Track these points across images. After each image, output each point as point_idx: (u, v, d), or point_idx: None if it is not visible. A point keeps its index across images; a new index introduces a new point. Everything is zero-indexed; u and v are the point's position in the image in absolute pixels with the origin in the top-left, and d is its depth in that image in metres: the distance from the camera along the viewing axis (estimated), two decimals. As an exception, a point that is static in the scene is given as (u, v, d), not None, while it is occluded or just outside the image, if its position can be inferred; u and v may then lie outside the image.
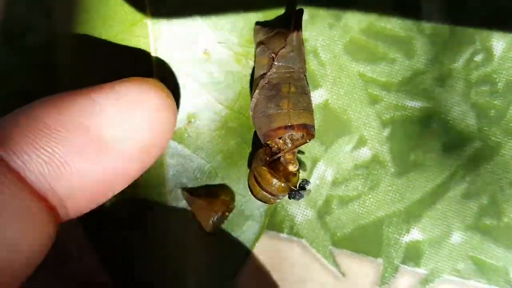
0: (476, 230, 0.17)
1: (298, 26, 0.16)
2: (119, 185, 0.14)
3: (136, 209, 0.18)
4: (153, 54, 0.17)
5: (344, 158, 0.18)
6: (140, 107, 0.13)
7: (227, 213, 0.18)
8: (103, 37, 0.18)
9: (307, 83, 0.17)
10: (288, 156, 0.16)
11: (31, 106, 0.13)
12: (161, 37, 0.17)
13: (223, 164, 0.18)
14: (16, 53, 0.20)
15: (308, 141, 0.16)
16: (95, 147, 0.13)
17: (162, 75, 0.17)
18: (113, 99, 0.13)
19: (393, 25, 0.17)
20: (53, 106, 0.13)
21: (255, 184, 0.16)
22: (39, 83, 0.20)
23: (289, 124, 0.15)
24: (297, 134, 0.16)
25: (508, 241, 0.17)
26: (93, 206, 0.14)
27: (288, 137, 0.16)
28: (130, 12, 0.17)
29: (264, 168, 0.15)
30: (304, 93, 0.16)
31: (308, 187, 0.16)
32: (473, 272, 0.17)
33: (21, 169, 0.12)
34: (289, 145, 0.16)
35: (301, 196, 0.16)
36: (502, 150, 0.17)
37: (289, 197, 0.16)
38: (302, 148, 0.17)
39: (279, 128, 0.15)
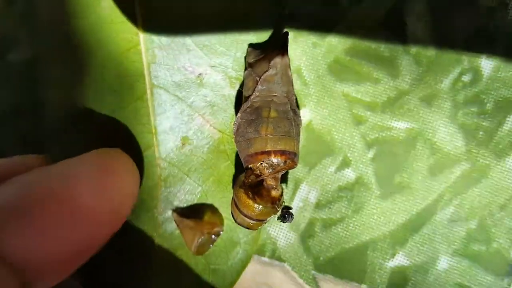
0: (464, 256, 0.16)
1: (283, 50, 0.16)
2: (91, 251, 0.14)
3: (125, 231, 0.18)
4: (146, 78, 0.17)
5: (327, 179, 0.17)
6: (109, 175, 0.15)
7: (213, 236, 0.17)
8: (95, 59, 0.18)
9: (297, 108, 0.16)
10: (269, 182, 0.16)
11: (11, 182, 0.13)
12: (155, 62, 0.17)
13: (214, 187, 0.18)
14: (1, 69, 0.20)
15: (288, 168, 0.15)
16: (72, 217, 0.13)
17: (155, 99, 0.17)
18: (87, 170, 0.14)
19: (378, 44, 0.17)
20: (32, 181, 0.13)
21: (235, 208, 0.16)
22: (27, 99, 0.21)
23: (266, 150, 0.15)
24: (278, 160, 0.15)
25: (498, 268, 0.16)
26: (68, 274, 0.14)
27: (267, 162, 0.15)
28: (124, 38, 0.17)
29: (241, 190, 0.15)
30: (286, 118, 0.16)
31: (291, 211, 0.16)
32: (461, 300, 0.16)
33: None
34: (270, 170, 0.15)
35: (289, 217, 0.16)
36: (491, 172, 0.16)
37: (279, 219, 0.16)
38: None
39: (256, 153, 0.15)
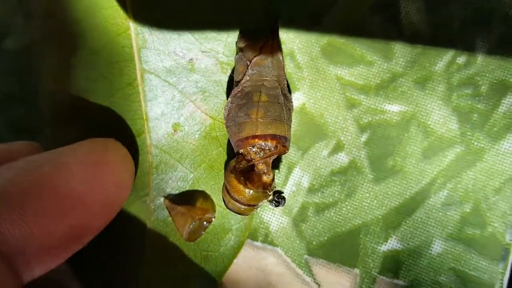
0: (458, 240, 0.16)
1: (273, 34, 0.16)
2: (84, 240, 0.14)
3: (117, 218, 0.18)
4: (137, 63, 0.17)
5: (320, 164, 0.17)
6: (103, 165, 0.14)
7: (205, 222, 0.17)
8: (86, 45, 0.17)
9: (289, 92, 0.16)
10: (260, 167, 0.15)
11: (4, 167, 0.13)
12: (145, 47, 0.17)
13: (206, 174, 0.17)
14: (-5, 57, 0.20)
15: (279, 153, 0.15)
16: (62, 205, 0.13)
17: (146, 84, 0.17)
18: (79, 159, 0.14)
19: (371, 27, 0.17)
20: (24, 168, 0.13)
21: (226, 193, 0.16)
22: (20, 87, 0.20)
23: (256, 134, 0.15)
24: (269, 144, 0.15)
25: (493, 252, 0.16)
26: (59, 262, 0.14)
27: (258, 147, 0.15)
28: (114, 23, 0.17)
29: (231, 175, 0.15)
30: (277, 103, 0.15)
31: (283, 195, 0.16)
32: (455, 284, 0.16)
33: None
34: (261, 155, 0.15)
35: (280, 202, 0.16)
36: (486, 155, 0.16)
37: (270, 204, 0.16)
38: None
39: (247, 137, 0.15)
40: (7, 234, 0.12)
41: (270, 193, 0.15)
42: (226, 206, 0.16)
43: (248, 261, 0.17)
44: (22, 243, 0.12)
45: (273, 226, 0.17)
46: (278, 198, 0.16)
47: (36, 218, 0.12)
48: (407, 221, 0.16)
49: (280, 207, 0.17)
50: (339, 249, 0.17)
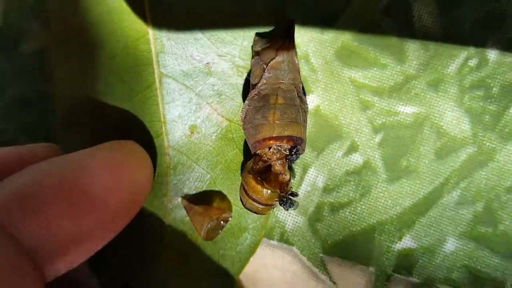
0: (471, 238, 0.17)
1: (289, 37, 0.16)
2: (105, 240, 0.15)
3: (135, 218, 0.18)
4: (155, 68, 0.18)
5: (335, 164, 0.17)
6: (123, 167, 0.15)
7: (222, 222, 0.18)
8: (104, 50, 0.18)
9: (304, 95, 0.17)
10: (277, 167, 0.16)
11: (28, 169, 0.13)
12: (163, 51, 0.18)
13: (222, 175, 0.18)
14: (12, 60, 0.20)
15: (296, 154, 0.16)
16: (84, 206, 0.13)
17: (164, 88, 0.18)
18: (100, 161, 0.14)
19: (384, 29, 0.17)
20: (47, 169, 0.13)
21: (244, 193, 0.16)
22: (35, 90, 0.21)
23: (273, 136, 0.15)
24: (286, 146, 0.16)
25: (505, 249, 0.16)
26: (80, 262, 0.14)
27: (276, 148, 0.16)
28: (133, 28, 0.17)
29: (249, 175, 0.15)
30: (293, 105, 0.16)
31: (295, 199, 0.16)
32: (468, 281, 0.17)
33: (16, 232, 0.12)
34: (278, 156, 0.16)
35: (292, 204, 0.16)
36: (497, 155, 0.17)
37: (280, 205, 0.16)
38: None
39: (264, 139, 0.15)
40: (32, 232, 0.12)
41: (286, 194, 0.16)
42: (244, 206, 0.16)
43: (264, 259, 0.18)
44: (45, 242, 0.12)
45: (289, 225, 0.18)
46: (289, 201, 0.16)
47: (59, 218, 0.13)
48: (421, 220, 0.17)
49: (291, 210, 0.17)
50: (354, 248, 0.17)
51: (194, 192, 0.18)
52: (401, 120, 0.17)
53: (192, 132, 0.18)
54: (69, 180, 0.13)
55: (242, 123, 0.16)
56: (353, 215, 0.17)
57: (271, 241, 0.18)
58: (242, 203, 0.16)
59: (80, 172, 0.14)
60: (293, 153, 0.15)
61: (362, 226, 0.17)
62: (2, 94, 0.20)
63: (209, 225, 0.17)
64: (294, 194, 0.16)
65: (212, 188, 0.18)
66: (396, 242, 0.17)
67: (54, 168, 0.14)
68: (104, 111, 0.18)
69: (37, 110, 0.20)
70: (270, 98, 0.16)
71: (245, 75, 0.18)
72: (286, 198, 0.16)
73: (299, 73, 0.17)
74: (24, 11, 0.21)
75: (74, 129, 0.19)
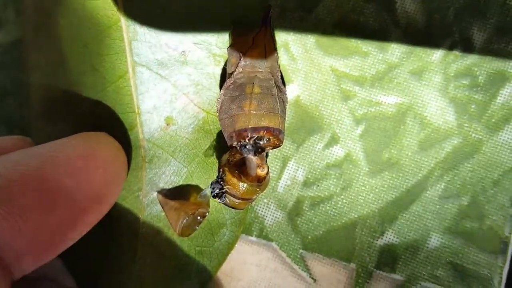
0: (456, 234, 0.16)
1: (266, 24, 0.16)
2: (75, 236, 0.14)
3: (109, 213, 0.18)
4: (128, 56, 0.17)
5: (315, 157, 0.17)
6: (94, 160, 0.14)
7: (199, 217, 0.17)
8: (77, 38, 0.17)
9: (283, 84, 0.16)
10: (256, 160, 0.15)
11: None
12: (136, 39, 0.17)
13: (199, 168, 0.17)
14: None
15: (273, 146, 0.15)
16: (51, 199, 0.13)
17: (138, 77, 0.17)
18: (69, 153, 0.14)
19: (366, 17, 0.16)
20: (14, 161, 0.13)
21: (220, 187, 0.15)
22: (12, 81, 0.20)
23: (249, 127, 0.14)
24: (263, 138, 0.15)
25: (491, 245, 0.16)
26: (49, 259, 0.13)
27: (252, 140, 0.15)
28: (104, 15, 0.17)
29: (225, 168, 0.15)
30: (271, 94, 0.15)
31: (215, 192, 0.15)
32: (453, 279, 0.16)
33: None
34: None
35: (219, 187, 0.15)
36: (484, 147, 0.16)
37: (212, 194, 0.15)
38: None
39: (240, 130, 0.15)
40: None
41: (264, 188, 0.15)
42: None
43: (243, 256, 0.17)
44: (10, 238, 0.12)
45: (268, 220, 0.17)
46: (219, 191, 0.15)
47: (24, 212, 0.12)
48: (404, 215, 0.16)
49: (219, 201, 0.16)
50: (335, 243, 0.16)
51: (170, 186, 0.17)
52: (383, 110, 0.16)
53: (168, 124, 0.17)
54: (38, 172, 0.13)
55: (218, 113, 0.16)
56: (334, 210, 0.17)
57: (250, 237, 0.17)
58: None
59: (47, 163, 0.13)
60: (261, 142, 0.15)
61: (343, 221, 0.16)
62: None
63: (185, 221, 0.17)
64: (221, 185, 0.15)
65: (189, 182, 0.17)
66: (378, 238, 0.16)
67: (22, 160, 0.13)
68: (77, 101, 0.18)
69: (16, 100, 0.20)
70: (246, 87, 0.15)
71: (222, 64, 0.17)
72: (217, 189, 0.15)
73: (278, 61, 0.16)
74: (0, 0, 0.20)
75: (50, 120, 0.18)
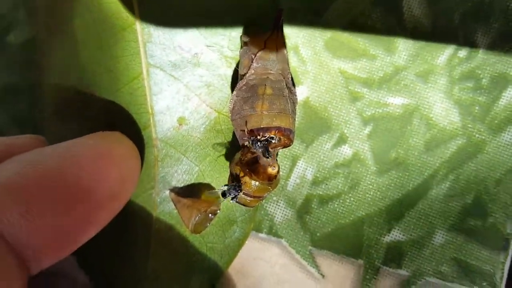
0: (460, 231, 0.16)
1: (277, 27, 0.16)
2: (90, 233, 0.14)
3: (123, 211, 0.18)
4: (142, 58, 0.17)
5: (324, 156, 0.17)
6: (109, 159, 0.14)
7: (210, 215, 0.17)
8: (91, 39, 0.18)
9: (292, 85, 0.16)
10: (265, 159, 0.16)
11: (11, 161, 0.13)
12: (150, 41, 0.17)
13: (211, 167, 0.18)
14: (0, 50, 0.20)
15: (284, 145, 0.15)
16: (69, 198, 0.13)
17: (151, 78, 0.17)
18: (85, 152, 0.14)
19: (374, 21, 0.17)
20: (32, 161, 0.13)
21: (232, 186, 0.16)
22: (26, 80, 0.21)
23: (261, 127, 0.15)
24: (273, 137, 0.15)
25: (494, 242, 0.16)
26: (65, 255, 0.14)
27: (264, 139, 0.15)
28: (120, 17, 0.17)
29: (237, 167, 0.15)
30: (282, 95, 0.16)
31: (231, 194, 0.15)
32: (457, 274, 0.16)
33: None
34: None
35: (236, 193, 0.15)
36: (487, 147, 0.16)
37: (223, 195, 0.15)
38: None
39: (252, 130, 0.15)
40: (16, 225, 0.12)
41: (274, 186, 0.16)
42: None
43: (253, 252, 0.18)
44: (28, 236, 0.12)
45: (278, 218, 0.17)
46: (230, 189, 0.16)
47: (43, 210, 0.12)
48: (410, 213, 0.17)
49: (228, 198, 0.16)
50: (343, 240, 0.17)
51: (182, 184, 0.18)
52: (391, 111, 0.17)
53: (180, 124, 0.18)
54: (54, 170, 0.13)
55: (230, 114, 0.16)
56: (342, 208, 0.17)
57: (260, 234, 0.18)
58: None
59: (65, 162, 0.13)
60: (272, 141, 0.15)
61: (351, 219, 0.17)
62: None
63: (196, 218, 0.17)
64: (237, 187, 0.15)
65: (201, 181, 0.18)
66: (385, 235, 0.17)
67: (39, 159, 0.13)
68: (91, 102, 0.18)
69: (28, 100, 0.20)
70: (258, 89, 0.16)
71: (233, 66, 0.17)
72: (231, 188, 0.15)
73: (288, 64, 0.16)
74: (12, 2, 0.20)
75: (62, 120, 0.19)
